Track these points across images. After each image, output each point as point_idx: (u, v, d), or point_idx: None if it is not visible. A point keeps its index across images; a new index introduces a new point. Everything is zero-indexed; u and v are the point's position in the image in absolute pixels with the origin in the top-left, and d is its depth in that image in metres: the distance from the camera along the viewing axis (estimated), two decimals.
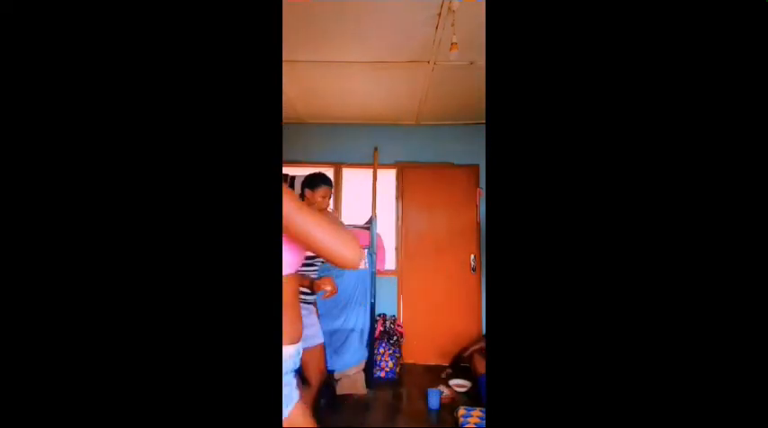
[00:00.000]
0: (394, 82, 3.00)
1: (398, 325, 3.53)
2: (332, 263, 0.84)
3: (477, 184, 3.72)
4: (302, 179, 1.95)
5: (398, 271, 3.74)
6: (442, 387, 2.67)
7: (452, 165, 3.79)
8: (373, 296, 3.00)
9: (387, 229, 3.72)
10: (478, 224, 3.68)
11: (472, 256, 3.66)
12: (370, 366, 2.95)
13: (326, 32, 2.34)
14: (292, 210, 0.80)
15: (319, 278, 1.67)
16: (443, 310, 3.61)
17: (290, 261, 0.94)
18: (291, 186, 3.19)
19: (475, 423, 2.11)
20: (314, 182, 1.87)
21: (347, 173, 3.92)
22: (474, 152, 3.74)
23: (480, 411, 2.22)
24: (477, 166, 3.74)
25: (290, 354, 0.98)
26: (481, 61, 2.59)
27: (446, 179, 3.77)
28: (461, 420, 2.18)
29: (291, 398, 1.01)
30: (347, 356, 2.85)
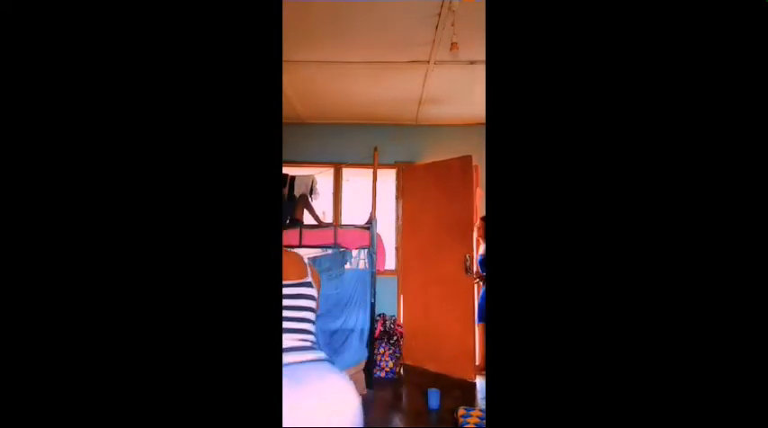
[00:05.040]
0: (394, 82, 3.00)
1: (398, 325, 3.53)
2: None
3: (478, 184, 3.71)
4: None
5: (398, 271, 3.74)
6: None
7: (452, 165, 3.78)
8: (373, 296, 2.99)
9: (387, 229, 3.71)
10: None
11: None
12: (370, 366, 2.94)
13: (326, 32, 2.34)
14: None
15: None
16: (444, 310, 3.60)
17: None
18: (291, 186, 3.18)
19: (475, 424, 2.11)
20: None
21: (347, 173, 3.92)
22: (474, 152, 3.73)
23: (480, 411, 2.22)
24: (476, 166, 3.73)
25: None
26: (481, 61, 2.59)
27: (446, 179, 3.76)
28: (461, 420, 2.18)
29: None
30: (347, 356, 2.83)
